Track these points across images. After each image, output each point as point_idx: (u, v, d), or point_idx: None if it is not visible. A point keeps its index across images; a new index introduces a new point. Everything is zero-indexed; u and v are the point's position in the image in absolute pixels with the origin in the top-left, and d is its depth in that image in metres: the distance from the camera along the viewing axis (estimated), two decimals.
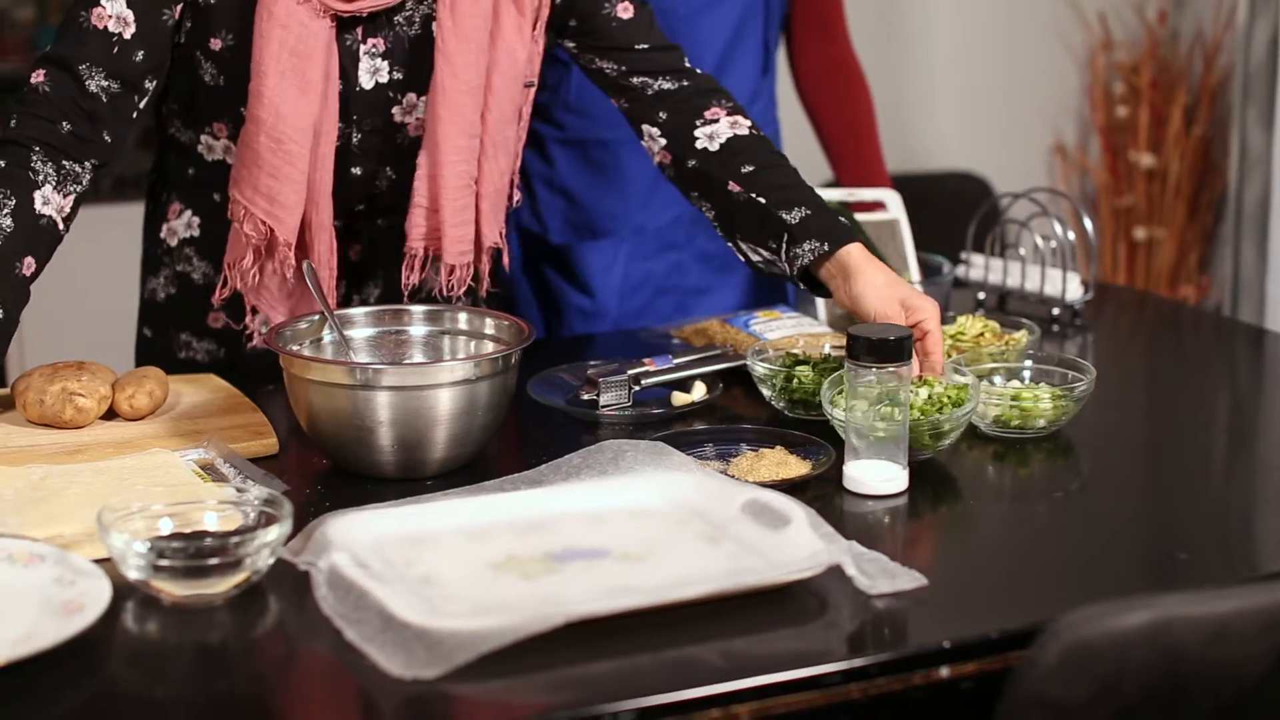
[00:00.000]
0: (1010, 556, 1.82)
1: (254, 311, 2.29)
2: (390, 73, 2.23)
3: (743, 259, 2.22)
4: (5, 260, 2.02)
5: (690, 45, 2.65)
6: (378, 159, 2.28)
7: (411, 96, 2.25)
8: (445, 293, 2.30)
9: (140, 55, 2.13)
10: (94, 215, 3.76)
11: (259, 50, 2.14)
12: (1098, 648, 1.41)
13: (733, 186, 2.21)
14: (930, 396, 2.01)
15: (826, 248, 2.12)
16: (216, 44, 2.18)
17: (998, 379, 2.19)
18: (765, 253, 2.18)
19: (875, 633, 1.61)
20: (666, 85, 2.29)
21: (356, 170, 2.27)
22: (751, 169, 2.21)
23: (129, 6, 2.12)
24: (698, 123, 2.26)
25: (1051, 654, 1.41)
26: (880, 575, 1.67)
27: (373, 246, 2.38)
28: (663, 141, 2.28)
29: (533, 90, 2.31)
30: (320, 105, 2.17)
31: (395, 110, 2.25)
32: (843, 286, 2.11)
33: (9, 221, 2.03)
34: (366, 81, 2.22)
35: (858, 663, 1.54)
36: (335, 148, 2.21)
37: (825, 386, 2.01)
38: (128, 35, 2.12)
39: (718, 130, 2.25)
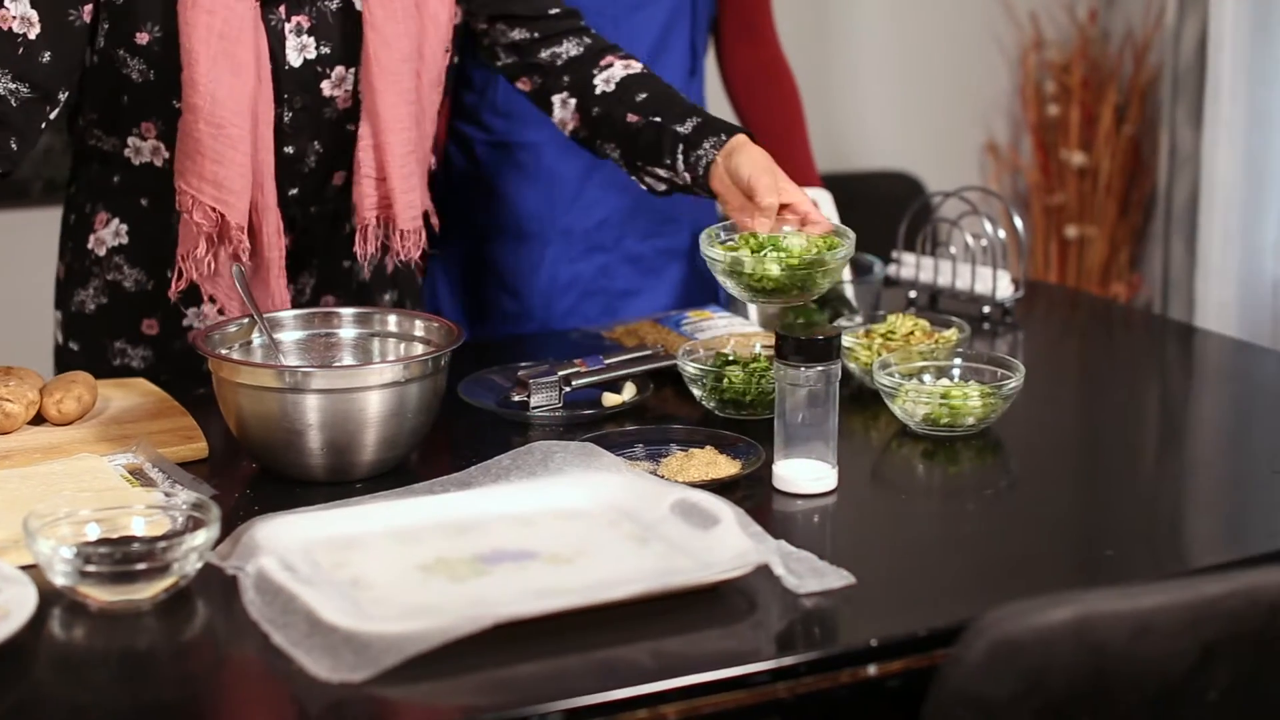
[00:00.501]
0: (939, 555, 1.83)
1: (211, 300, 2.28)
2: (317, 48, 2.24)
3: (647, 188, 2.30)
4: None
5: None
6: (308, 135, 2.28)
7: (340, 69, 2.26)
8: (403, 258, 2.32)
9: (47, 56, 2.13)
10: (22, 219, 3.75)
11: (187, 38, 2.14)
12: (1022, 644, 1.42)
13: (631, 117, 2.28)
14: (806, 243, 2.07)
15: (724, 137, 2.18)
16: (143, 38, 2.18)
17: (927, 377, 2.20)
18: (664, 171, 2.24)
19: (804, 632, 1.62)
20: (573, 50, 2.35)
21: (289, 149, 2.28)
22: (645, 96, 2.29)
23: (33, 6, 2.11)
24: (594, 72, 2.33)
25: (976, 651, 1.42)
26: (809, 574, 1.68)
27: (306, 236, 2.37)
28: (572, 103, 2.33)
29: (449, 57, 2.34)
30: (255, 86, 2.18)
31: (325, 85, 2.26)
32: (723, 164, 2.17)
33: None
34: (295, 59, 2.23)
35: (786, 661, 1.55)
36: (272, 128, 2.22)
37: (704, 236, 2.09)
38: (32, 35, 2.12)
39: (612, 73, 2.33)
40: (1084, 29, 4.56)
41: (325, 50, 2.24)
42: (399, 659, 1.47)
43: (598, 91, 2.32)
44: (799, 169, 2.87)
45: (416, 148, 2.29)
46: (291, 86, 2.24)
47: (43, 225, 3.59)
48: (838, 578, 1.68)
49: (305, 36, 2.23)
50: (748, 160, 2.14)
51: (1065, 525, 1.92)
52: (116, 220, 2.34)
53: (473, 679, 1.50)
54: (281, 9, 2.21)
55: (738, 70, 2.87)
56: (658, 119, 2.26)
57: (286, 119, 2.26)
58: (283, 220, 2.31)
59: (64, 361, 2.42)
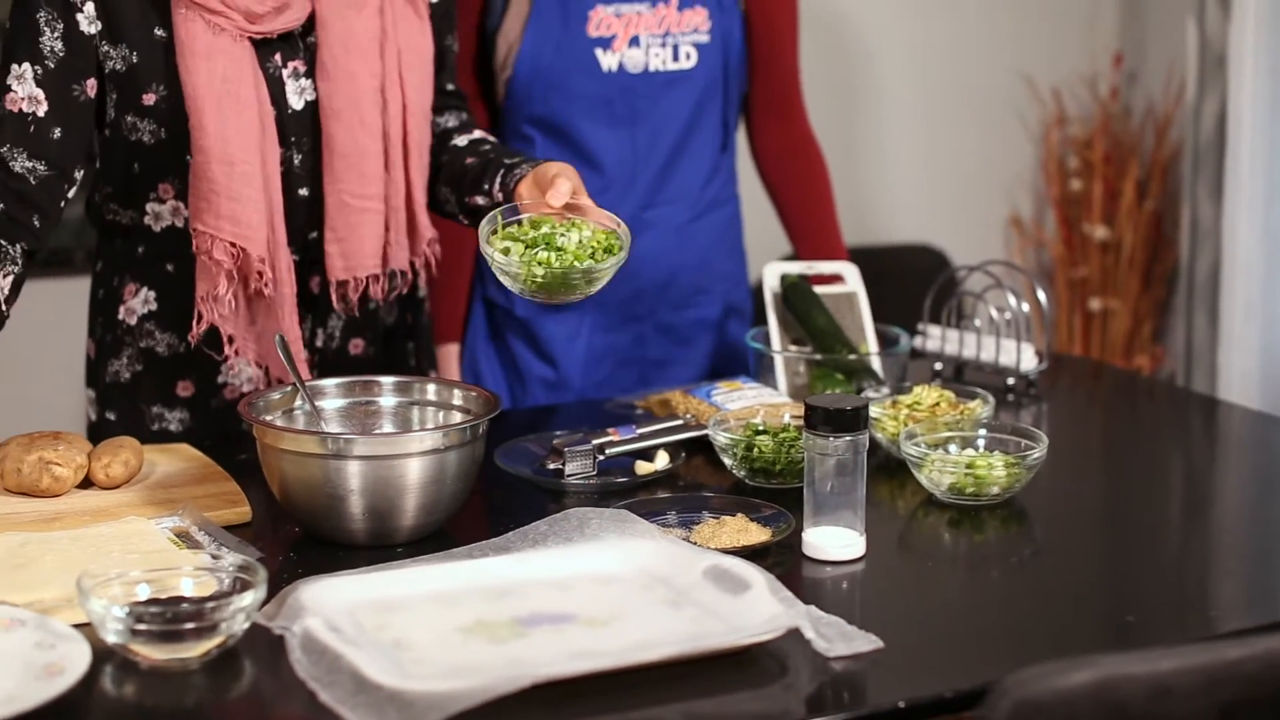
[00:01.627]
0: (965, 619, 1.87)
1: (230, 340, 2.33)
2: (314, 89, 2.32)
3: (466, 220, 2.40)
4: None
5: (652, 123, 2.72)
6: (319, 177, 2.35)
7: None
8: (381, 297, 2.41)
9: (58, 133, 2.21)
10: (66, 287, 3.79)
11: (192, 86, 2.22)
12: (1045, 705, 1.45)
13: (468, 159, 2.39)
14: (581, 241, 2.11)
15: (542, 162, 2.28)
16: (150, 99, 2.26)
17: (953, 447, 2.24)
18: (481, 198, 2.34)
19: (833, 694, 1.65)
20: (450, 122, 2.50)
21: (303, 191, 2.35)
22: (489, 148, 2.41)
23: (38, 86, 2.19)
24: (457, 135, 2.47)
25: (1001, 712, 1.45)
26: (838, 638, 1.71)
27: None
28: (446, 189, 2.45)
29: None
30: (259, 124, 2.25)
31: None
32: (532, 171, 2.26)
33: None
34: (296, 103, 2.31)
35: None
36: (280, 171, 2.29)
37: (484, 224, 2.15)
38: (41, 113, 2.20)
39: (472, 136, 2.46)
40: (1106, 105, 4.61)
41: None
42: (441, 716, 1.51)
43: (452, 144, 2.45)
44: (827, 242, 2.91)
45: (380, 193, 2.36)
46: (297, 129, 2.31)
47: (85, 293, 3.65)
48: (866, 642, 1.71)
49: (303, 80, 2.31)
50: (559, 166, 2.23)
51: (1088, 592, 1.95)
52: (145, 289, 2.40)
53: None
54: (277, 56, 2.29)
55: (768, 146, 2.91)
56: (491, 155, 2.37)
57: (297, 161, 2.32)
58: (307, 263, 2.37)
59: (101, 435, 2.44)
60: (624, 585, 1.84)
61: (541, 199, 2.18)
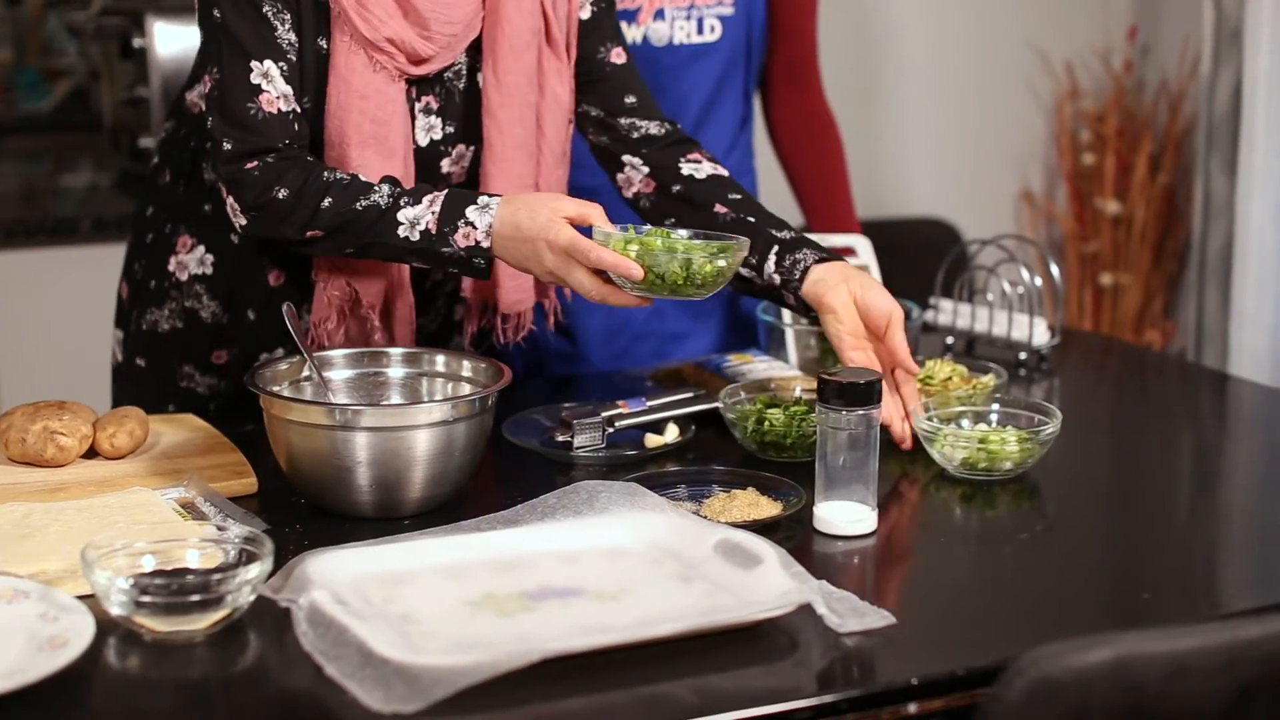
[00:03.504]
0: (977, 596, 1.86)
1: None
2: (443, 128, 2.27)
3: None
4: (366, 183, 2.13)
5: (675, 96, 2.71)
6: None
7: (460, 148, 2.30)
8: (502, 341, 2.36)
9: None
10: (72, 256, 3.80)
11: (340, 121, 2.18)
12: (1061, 684, 1.44)
13: (719, 208, 2.29)
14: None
15: (820, 256, 2.20)
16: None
17: (965, 422, 2.23)
18: (747, 270, 2.24)
19: (845, 670, 1.64)
20: (653, 130, 2.36)
21: None
22: (739, 198, 2.30)
23: (287, 83, 2.17)
24: (681, 158, 2.34)
25: (1016, 690, 1.44)
26: (850, 614, 1.70)
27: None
28: (645, 170, 2.34)
29: (570, 128, 2.37)
30: (402, 169, 2.21)
31: (444, 163, 2.29)
32: (844, 286, 2.18)
33: (342, 174, 2.14)
34: (422, 139, 2.26)
35: (827, 699, 1.57)
36: None
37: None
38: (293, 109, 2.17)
39: (701, 167, 2.34)
40: (1119, 79, 4.58)
41: (450, 129, 2.28)
42: (449, 691, 1.50)
43: (684, 173, 2.33)
44: (840, 216, 2.90)
45: None
46: (417, 165, 2.26)
47: (91, 262, 3.65)
48: (878, 618, 1.70)
49: (433, 117, 2.26)
50: (884, 299, 2.17)
51: (1101, 569, 1.94)
52: (202, 248, 2.36)
53: (520, 712, 1.53)
54: (413, 90, 2.24)
55: (783, 118, 2.90)
56: (750, 219, 2.27)
57: None
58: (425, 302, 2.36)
59: (128, 376, 2.44)
60: (634, 559, 1.83)
61: (858, 326, 2.18)
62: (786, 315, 2.60)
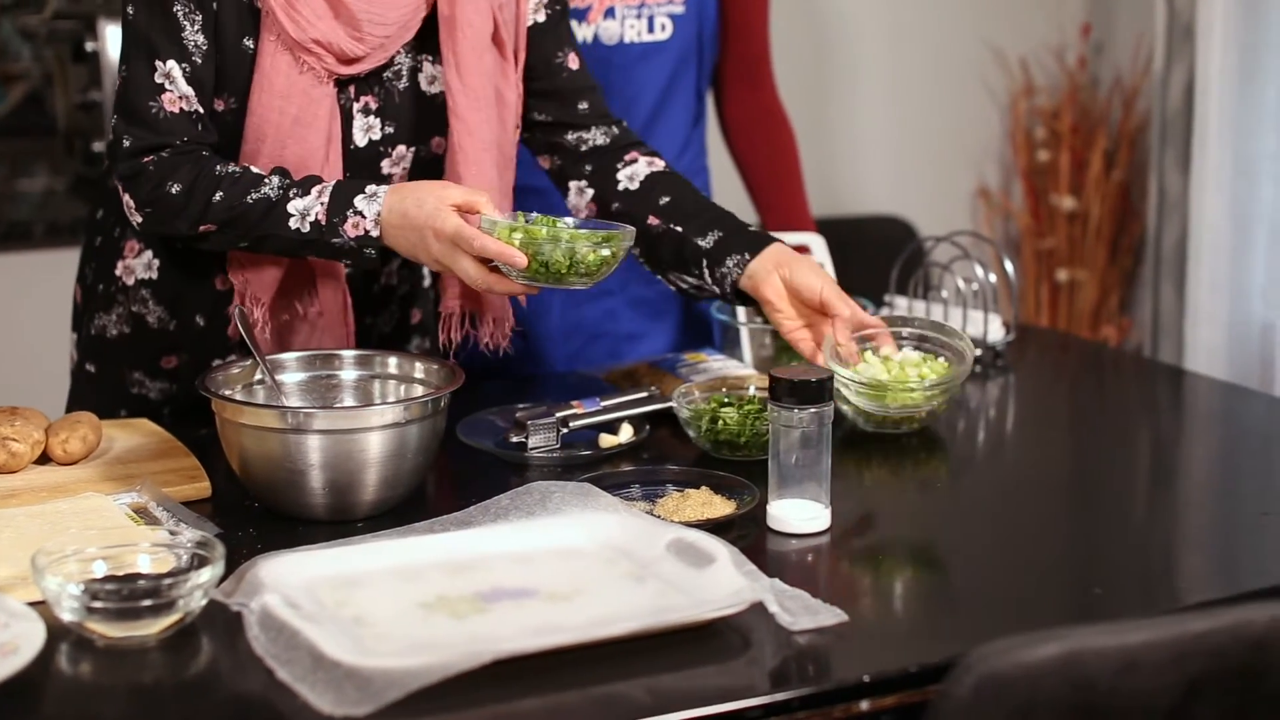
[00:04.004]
0: (930, 592, 1.86)
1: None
2: (383, 128, 2.27)
3: (674, 289, 2.31)
4: (257, 175, 2.14)
5: (626, 95, 2.71)
6: None
7: (401, 148, 2.29)
8: (492, 346, 2.35)
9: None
10: (26, 261, 3.78)
11: (259, 120, 2.18)
12: (1009, 679, 1.44)
13: (652, 220, 2.29)
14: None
15: (748, 256, 2.20)
16: (220, 105, 2.21)
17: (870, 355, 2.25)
18: (690, 279, 2.26)
19: (798, 668, 1.64)
20: (599, 140, 2.36)
21: None
22: (668, 200, 2.30)
23: (189, 84, 2.17)
24: (619, 166, 2.34)
25: (965, 687, 1.44)
26: (802, 612, 1.70)
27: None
28: (590, 193, 2.34)
29: (519, 131, 2.37)
30: (321, 166, 2.21)
31: (385, 163, 2.29)
32: (775, 274, 2.18)
33: (235, 167, 2.15)
34: (360, 139, 2.26)
35: (780, 697, 1.57)
36: None
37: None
38: (197, 110, 2.18)
39: (636, 170, 2.33)
40: (1073, 76, 4.60)
41: (390, 130, 2.27)
42: (401, 694, 1.50)
43: (620, 188, 2.33)
44: (794, 213, 2.91)
45: None
46: (355, 166, 2.26)
47: (45, 267, 3.63)
48: (831, 615, 1.70)
49: (372, 117, 2.26)
50: (813, 275, 2.18)
51: (1055, 565, 1.95)
52: (149, 254, 2.35)
53: (473, 714, 1.52)
54: (351, 89, 2.24)
55: (736, 116, 2.91)
56: (679, 228, 2.27)
57: None
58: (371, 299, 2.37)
59: (81, 381, 2.44)
60: (587, 559, 1.83)
61: (802, 311, 2.19)
62: (741, 314, 2.60)
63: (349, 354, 2.18)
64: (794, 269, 2.18)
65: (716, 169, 2.98)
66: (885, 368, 2.22)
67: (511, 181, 2.36)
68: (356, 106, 2.24)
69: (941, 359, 2.28)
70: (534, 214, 2.14)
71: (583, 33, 2.68)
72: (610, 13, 2.69)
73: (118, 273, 2.38)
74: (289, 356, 2.16)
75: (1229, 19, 3.96)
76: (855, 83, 4.55)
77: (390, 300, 2.45)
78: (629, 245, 2.09)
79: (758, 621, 1.69)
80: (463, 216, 2.07)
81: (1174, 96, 4.17)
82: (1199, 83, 4.02)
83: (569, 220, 2.14)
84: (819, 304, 2.17)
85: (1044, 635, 1.46)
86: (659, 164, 2.36)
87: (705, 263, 2.23)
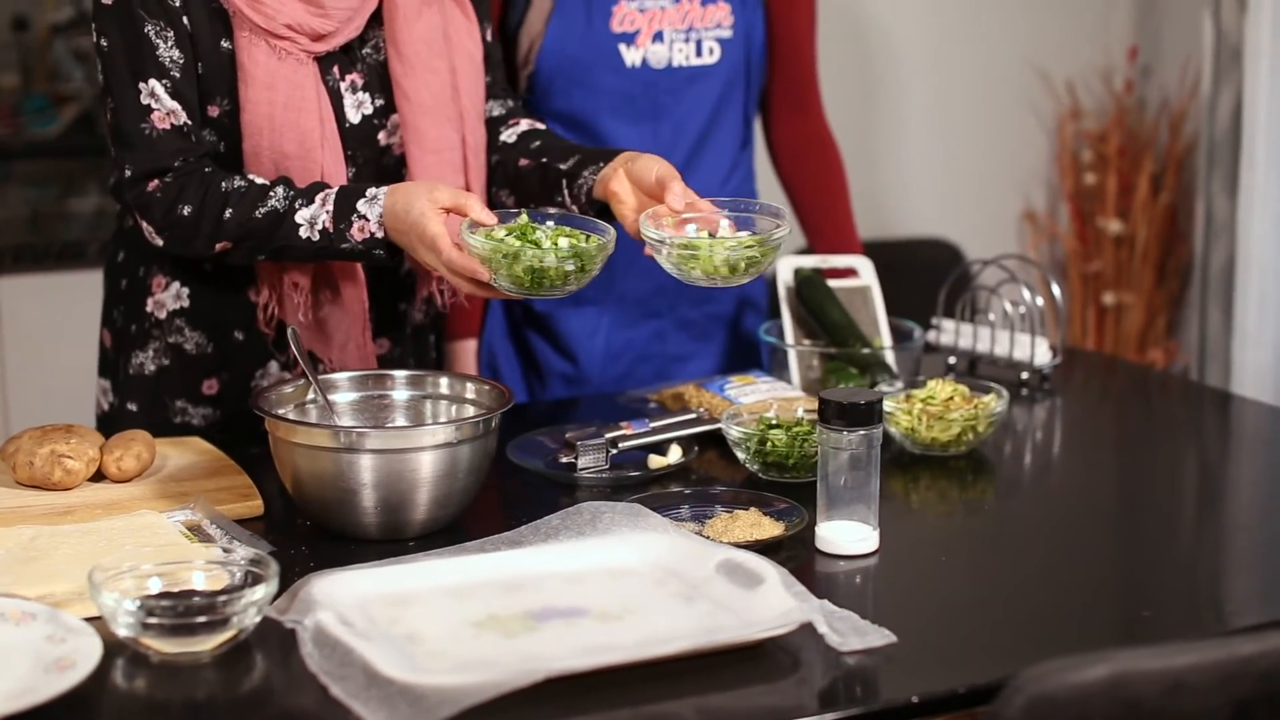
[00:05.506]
0: (978, 614, 1.86)
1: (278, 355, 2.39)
2: (372, 102, 2.32)
3: None
4: (263, 188, 2.21)
5: (674, 119, 2.72)
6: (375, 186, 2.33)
7: (394, 118, 2.34)
8: (440, 302, 2.42)
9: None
10: (79, 280, 3.80)
11: (253, 115, 2.23)
12: (1059, 701, 1.45)
13: (522, 162, 2.36)
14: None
15: (601, 164, 2.25)
16: (214, 110, 2.25)
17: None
18: (555, 206, 2.31)
19: (846, 688, 1.65)
20: (495, 111, 2.46)
21: None
22: (539, 144, 2.37)
23: (173, 99, 2.21)
24: (503, 129, 2.42)
25: (1015, 707, 1.45)
26: (851, 632, 1.71)
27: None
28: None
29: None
30: (319, 150, 2.25)
31: (381, 135, 2.34)
32: (620, 169, 2.21)
33: (240, 181, 2.20)
34: (354, 116, 2.31)
35: (829, 718, 1.58)
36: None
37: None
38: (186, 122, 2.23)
39: (517, 129, 2.42)
40: (1120, 99, 4.60)
41: (380, 102, 2.33)
42: (453, 711, 1.51)
43: (499, 142, 2.41)
44: (842, 236, 2.91)
45: (465, 185, 2.37)
46: (354, 143, 2.31)
47: (97, 287, 3.65)
48: (880, 636, 1.71)
49: (360, 93, 2.31)
50: (651, 160, 2.19)
51: (1103, 587, 1.95)
52: (177, 284, 2.38)
53: None
54: (335, 68, 2.29)
55: (784, 141, 2.91)
56: (543, 160, 2.33)
57: (349, 175, 2.32)
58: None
59: (118, 425, 2.43)
60: (637, 579, 1.84)
61: (644, 200, 2.18)
62: (789, 337, 2.61)
63: (400, 374, 2.20)
64: (636, 160, 2.21)
65: (764, 193, 2.98)
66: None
67: (483, 141, 2.40)
68: (344, 85, 2.30)
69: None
70: (521, 214, 2.13)
71: (631, 57, 2.69)
72: (659, 37, 2.70)
73: (149, 309, 2.40)
74: (341, 376, 2.18)
75: (1277, 41, 3.95)
76: (902, 106, 4.56)
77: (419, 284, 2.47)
78: (609, 250, 2.09)
79: (807, 642, 1.70)
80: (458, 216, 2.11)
81: (1221, 119, 4.16)
82: (1247, 105, 4.01)
83: (550, 222, 2.12)
84: (655, 184, 2.17)
85: (1092, 657, 1.47)
86: (540, 126, 2.44)
87: (564, 182, 2.28)
